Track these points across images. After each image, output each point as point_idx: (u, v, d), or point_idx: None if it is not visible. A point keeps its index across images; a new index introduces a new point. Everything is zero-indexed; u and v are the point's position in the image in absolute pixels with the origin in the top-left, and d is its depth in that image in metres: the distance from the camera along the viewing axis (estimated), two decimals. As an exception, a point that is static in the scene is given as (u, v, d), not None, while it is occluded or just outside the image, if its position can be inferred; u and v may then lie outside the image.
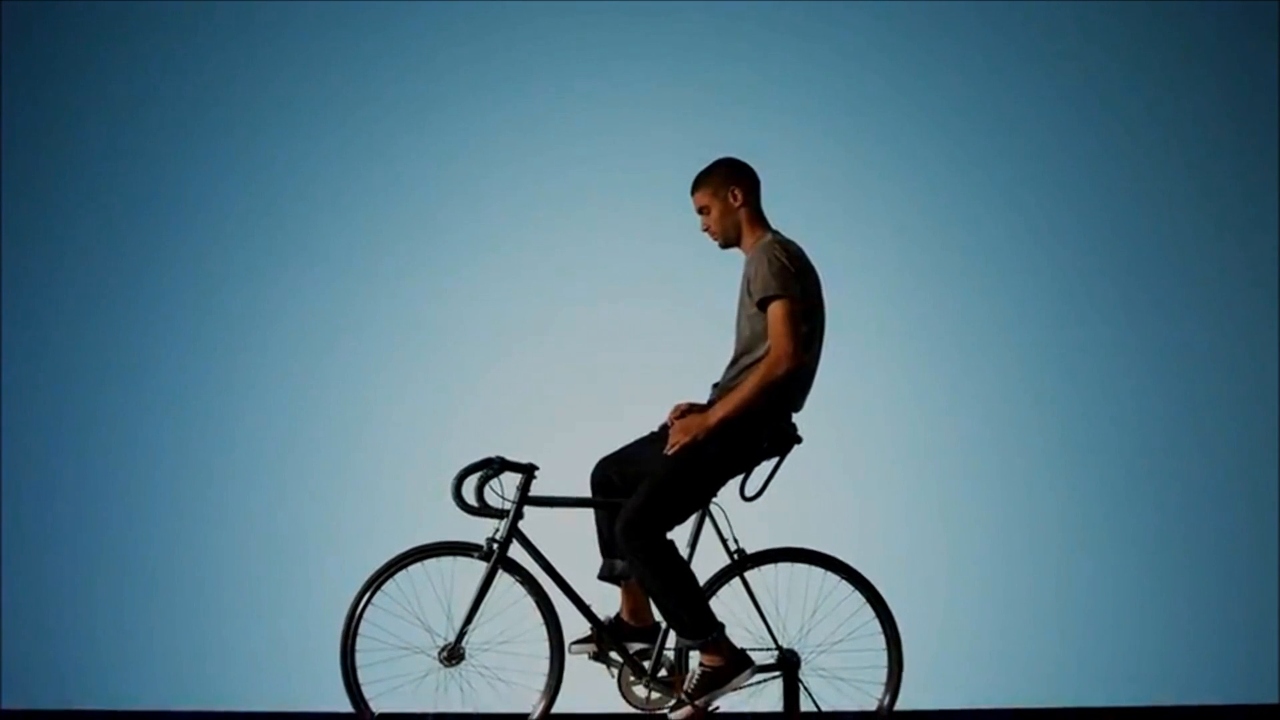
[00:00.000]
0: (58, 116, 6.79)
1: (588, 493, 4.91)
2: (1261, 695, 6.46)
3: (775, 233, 4.85)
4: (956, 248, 6.76)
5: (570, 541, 4.95)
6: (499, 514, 4.85)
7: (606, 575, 4.86)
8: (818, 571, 4.94)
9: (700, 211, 4.89)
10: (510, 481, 4.88)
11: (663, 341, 6.53)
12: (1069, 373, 6.79)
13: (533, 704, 4.89)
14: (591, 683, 4.94)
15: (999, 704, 6.35)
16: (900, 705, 5.04)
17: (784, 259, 4.67)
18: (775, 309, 4.63)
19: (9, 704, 6.45)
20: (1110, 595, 6.65)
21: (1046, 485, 6.72)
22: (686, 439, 4.64)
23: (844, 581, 4.94)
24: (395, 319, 6.56)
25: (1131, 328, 6.82)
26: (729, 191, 4.82)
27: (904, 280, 6.75)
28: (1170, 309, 6.82)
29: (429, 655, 4.87)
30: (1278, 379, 6.74)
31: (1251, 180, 6.86)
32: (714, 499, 4.84)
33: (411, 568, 4.91)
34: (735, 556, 4.85)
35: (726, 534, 4.85)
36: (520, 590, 4.88)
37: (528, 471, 4.86)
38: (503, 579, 4.88)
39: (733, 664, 4.72)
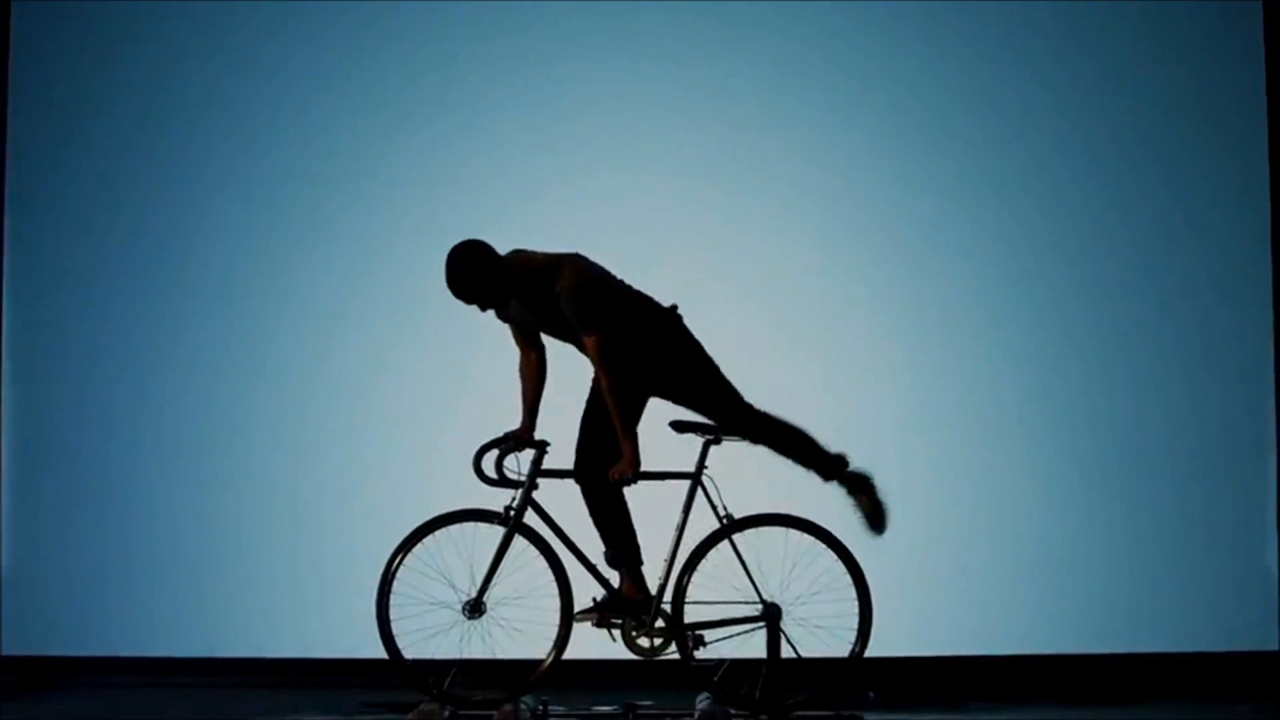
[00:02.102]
0: (62, 94, 6.84)
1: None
2: (1262, 643, 6.57)
3: (535, 256, 5.26)
4: (927, 229, 6.72)
5: (580, 508, 5.33)
6: (515, 485, 5.31)
7: (611, 561, 5.34)
8: (796, 534, 5.33)
9: (487, 308, 5.28)
10: (525, 456, 5.33)
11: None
12: (1048, 324, 6.71)
13: (545, 651, 5.30)
14: (599, 632, 5.34)
15: (989, 651, 6.51)
16: (870, 652, 5.39)
17: (591, 296, 5.15)
18: (589, 343, 5.16)
19: (9, 650, 6.63)
20: (1108, 544, 6.61)
21: (1035, 435, 6.64)
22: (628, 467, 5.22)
23: (820, 542, 5.32)
24: (429, 311, 6.43)
25: (1109, 277, 6.74)
26: (484, 270, 5.19)
27: (883, 265, 6.71)
28: (1147, 256, 6.75)
29: (454, 608, 5.28)
30: (1271, 320, 6.70)
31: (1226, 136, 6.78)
32: (705, 469, 5.30)
33: (438, 532, 5.32)
34: (724, 521, 5.28)
35: (716, 502, 5.30)
36: (534, 552, 5.30)
37: (540, 447, 5.32)
38: (519, 542, 5.30)
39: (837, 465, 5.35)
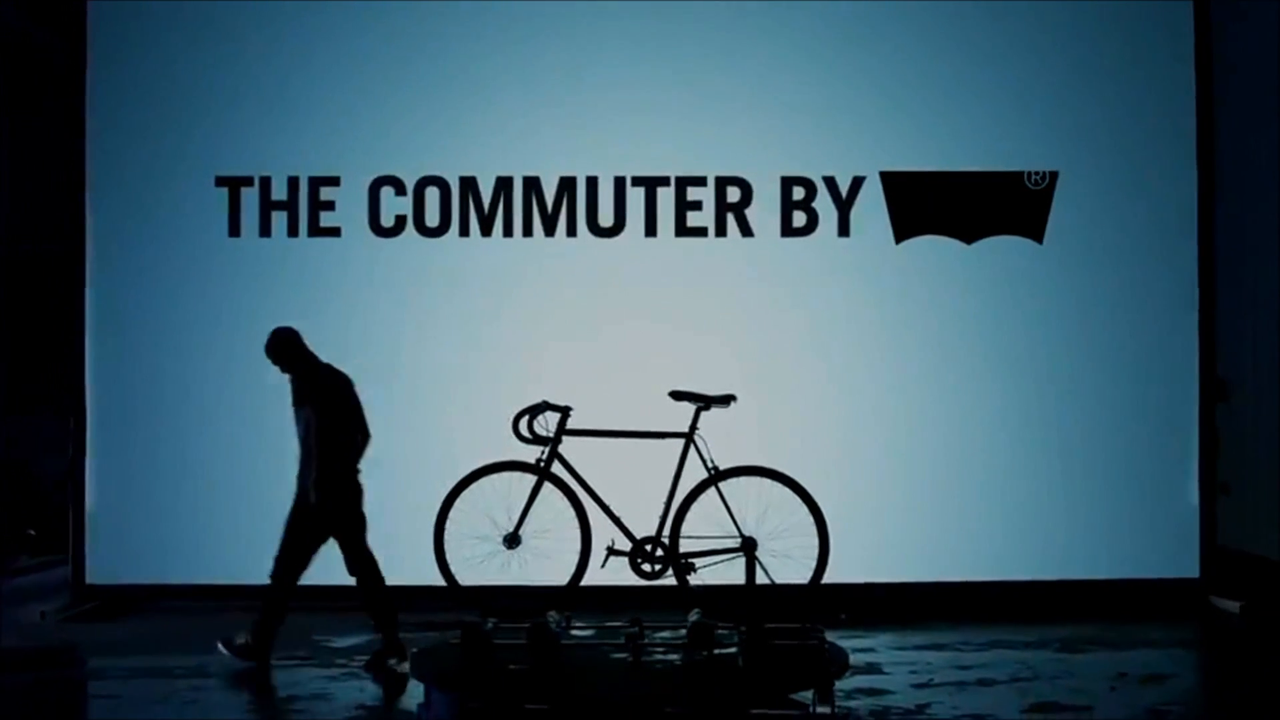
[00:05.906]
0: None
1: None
2: (1184, 571, 7.17)
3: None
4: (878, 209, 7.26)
5: (598, 462, 6.27)
6: (544, 441, 6.30)
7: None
8: (769, 482, 6.24)
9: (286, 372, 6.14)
10: (553, 418, 6.32)
11: (674, 324, 7.23)
12: (1002, 290, 7.18)
13: (568, 575, 6.24)
14: (613, 561, 6.25)
15: (946, 577, 7.05)
16: (841, 578, 6.35)
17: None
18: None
19: (94, 579, 7.11)
20: (1049, 484, 7.08)
21: (985, 388, 7.12)
22: None
23: (788, 489, 6.22)
24: (459, 302, 7.19)
25: (1056, 247, 7.18)
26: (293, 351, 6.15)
27: (868, 249, 7.25)
28: (1089, 229, 7.21)
29: (495, 541, 6.21)
30: (1196, 271, 7.18)
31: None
32: (697, 430, 6.20)
33: (482, 479, 6.29)
34: (711, 473, 6.24)
35: (705, 456, 6.25)
36: (559, 495, 6.28)
37: (564, 411, 6.33)
38: (547, 488, 6.26)
39: None
